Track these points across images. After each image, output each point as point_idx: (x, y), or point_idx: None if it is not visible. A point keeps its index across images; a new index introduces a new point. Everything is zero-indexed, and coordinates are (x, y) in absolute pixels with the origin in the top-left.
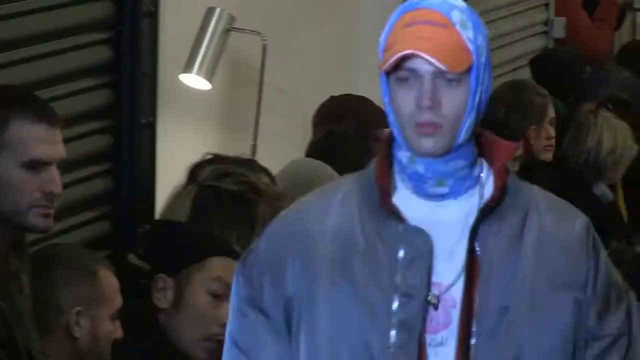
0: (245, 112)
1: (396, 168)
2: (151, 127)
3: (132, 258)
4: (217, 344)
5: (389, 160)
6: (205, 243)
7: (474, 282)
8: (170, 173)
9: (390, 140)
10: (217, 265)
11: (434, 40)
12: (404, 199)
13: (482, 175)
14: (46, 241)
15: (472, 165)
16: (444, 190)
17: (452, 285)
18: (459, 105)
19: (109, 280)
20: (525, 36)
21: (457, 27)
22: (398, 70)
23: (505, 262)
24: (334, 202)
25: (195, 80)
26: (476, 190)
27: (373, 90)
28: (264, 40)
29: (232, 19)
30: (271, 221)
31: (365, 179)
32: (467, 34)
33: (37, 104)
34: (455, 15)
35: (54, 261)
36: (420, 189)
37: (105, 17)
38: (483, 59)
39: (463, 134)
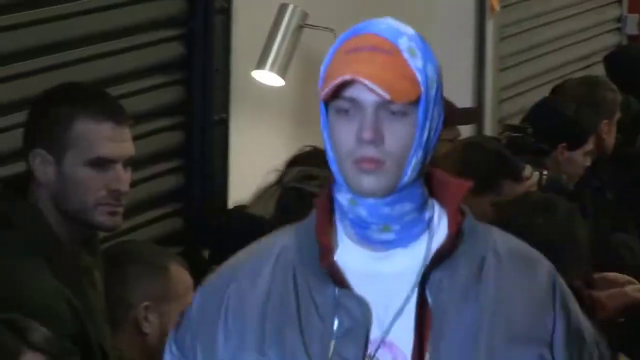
0: (318, 109)
1: (338, 216)
2: (224, 124)
3: (207, 254)
4: None
5: (330, 209)
6: (264, 231)
7: (425, 339)
8: (243, 170)
9: (332, 186)
10: None
11: (377, 66)
12: (347, 252)
13: (433, 218)
14: (118, 238)
15: (421, 208)
16: (389, 236)
17: (404, 342)
18: (404, 141)
19: (180, 276)
20: (598, 33)
21: (405, 54)
22: (338, 99)
23: (460, 315)
24: (269, 261)
25: (268, 77)
26: (426, 235)
27: (447, 87)
28: (336, 37)
29: (305, 15)
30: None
31: (304, 232)
32: (416, 63)
33: (103, 101)
34: (403, 42)
35: (125, 257)
36: (363, 237)
37: (177, 14)
38: (433, 92)
39: (409, 173)
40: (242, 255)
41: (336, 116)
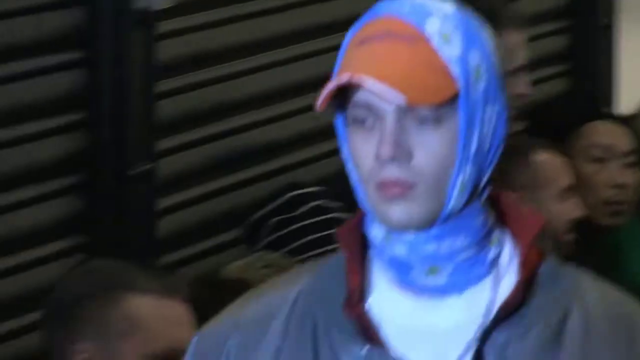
0: None
1: (373, 251)
2: (609, 29)
3: None
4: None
5: (361, 242)
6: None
7: None
8: (631, 76)
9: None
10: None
11: (389, 61)
12: (384, 299)
13: (500, 257)
14: None
15: (482, 243)
16: (438, 280)
17: None
18: (439, 155)
19: (548, 162)
20: None
21: (433, 41)
22: (351, 106)
23: None
24: (281, 310)
25: None
26: (490, 279)
27: None
28: None
29: None
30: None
31: (328, 272)
32: (450, 51)
33: None
34: (432, 25)
35: None
36: (405, 281)
37: None
38: (481, 86)
39: (455, 197)
40: (248, 299)
41: (353, 127)
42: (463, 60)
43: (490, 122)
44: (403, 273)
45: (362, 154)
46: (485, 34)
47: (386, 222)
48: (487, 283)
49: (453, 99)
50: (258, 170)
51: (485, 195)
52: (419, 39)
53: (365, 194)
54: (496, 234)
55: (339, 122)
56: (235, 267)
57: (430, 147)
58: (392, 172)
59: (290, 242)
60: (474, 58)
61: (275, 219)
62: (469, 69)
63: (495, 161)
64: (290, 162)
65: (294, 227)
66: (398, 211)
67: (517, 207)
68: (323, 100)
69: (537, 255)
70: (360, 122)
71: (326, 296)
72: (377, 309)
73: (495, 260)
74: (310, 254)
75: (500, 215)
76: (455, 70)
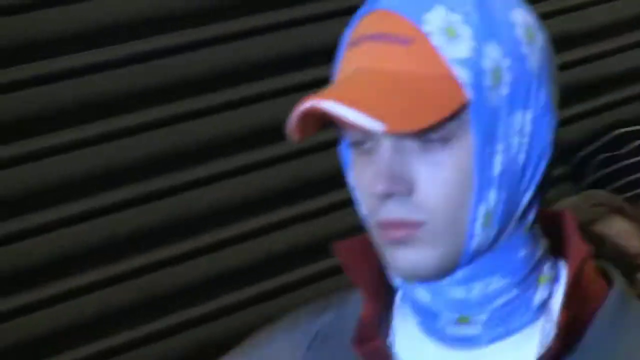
0: None
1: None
2: None
3: None
4: None
5: (382, 272)
6: None
7: None
8: None
9: None
10: None
11: (371, 74)
12: (411, 344)
13: (555, 296)
14: None
15: (528, 280)
16: (472, 330)
17: None
18: (450, 182)
19: None
20: None
21: (434, 39)
22: (349, 129)
23: None
24: (300, 348)
25: None
26: (538, 324)
27: None
28: None
29: None
30: None
31: (353, 305)
32: (455, 51)
33: None
34: (434, 19)
35: None
36: (433, 329)
37: None
38: (503, 89)
39: (477, 232)
40: (258, 342)
41: (353, 151)
42: (474, 60)
43: (523, 133)
44: (429, 321)
45: (363, 183)
46: (513, 17)
47: (394, 270)
48: (535, 331)
49: (464, 110)
50: (579, 109)
51: (529, 221)
52: (414, 39)
53: (371, 233)
54: (548, 268)
55: (343, 145)
56: (562, 205)
57: (438, 174)
58: (392, 210)
59: (614, 180)
60: (492, 54)
61: (600, 157)
62: (483, 70)
63: (538, 177)
64: (615, 99)
65: (619, 165)
66: (405, 257)
67: (572, 229)
68: (294, 129)
69: (600, 290)
70: (359, 144)
71: (343, 333)
72: (402, 355)
73: (546, 302)
74: (633, 192)
75: (554, 239)
76: (462, 74)
